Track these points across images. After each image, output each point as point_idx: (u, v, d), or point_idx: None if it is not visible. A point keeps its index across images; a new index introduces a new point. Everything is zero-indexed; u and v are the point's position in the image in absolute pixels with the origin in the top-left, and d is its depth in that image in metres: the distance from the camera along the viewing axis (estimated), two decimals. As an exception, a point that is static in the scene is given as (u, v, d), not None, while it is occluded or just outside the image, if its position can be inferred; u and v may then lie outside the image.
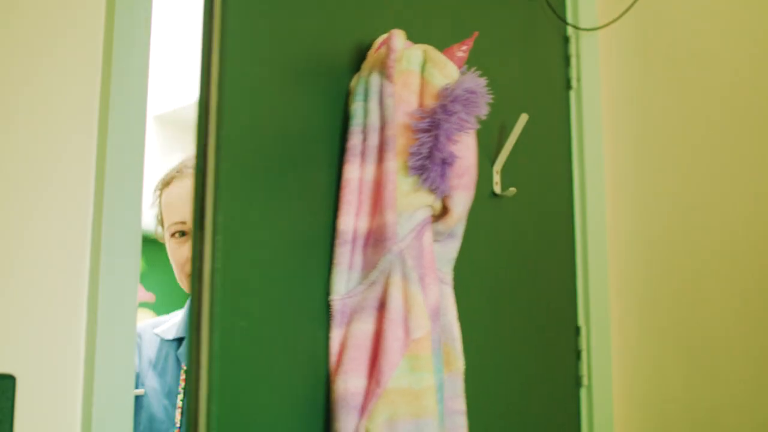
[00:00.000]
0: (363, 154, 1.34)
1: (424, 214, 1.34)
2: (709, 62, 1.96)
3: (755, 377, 1.78)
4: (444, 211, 1.38)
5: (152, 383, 1.77)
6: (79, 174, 1.29)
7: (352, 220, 1.31)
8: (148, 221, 1.85)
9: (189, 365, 1.14)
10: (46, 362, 1.23)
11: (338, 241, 1.31)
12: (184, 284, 1.78)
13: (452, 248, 1.44)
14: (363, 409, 1.23)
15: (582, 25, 2.05)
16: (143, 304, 3.27)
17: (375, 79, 1.36)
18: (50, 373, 1.23)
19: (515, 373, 1.71)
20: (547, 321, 1.84)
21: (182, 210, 1.77)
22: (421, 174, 1.32)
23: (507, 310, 1.71)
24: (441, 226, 1.39)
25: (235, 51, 1.21)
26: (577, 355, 1.92)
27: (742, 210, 1.85)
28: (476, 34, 1.44)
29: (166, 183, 1.85)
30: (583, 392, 1.92)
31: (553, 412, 1.83)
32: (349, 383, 1.24)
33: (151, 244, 1.90)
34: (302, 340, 1.26)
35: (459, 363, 1.39)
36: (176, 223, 1.79)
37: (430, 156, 1.31)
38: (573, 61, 2.04)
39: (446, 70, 1.38)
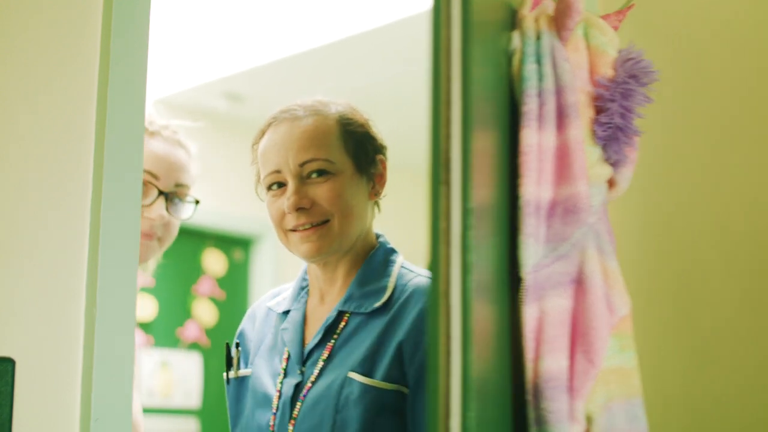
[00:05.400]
0: (540, 119, 1.25)
1: (605, 186, 1.27)
2: (711, 58, 2.00)
3: (754, 374, 1.83)
4: (609, 185, 1.31)
5: (261, 362, 1.59)
6: (78, 158, 1.27)
7: (534, 189, 1.22)
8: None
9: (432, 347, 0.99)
10: (45, 345, 1.21)
11: (527, 211, 1.20)
12: (284, 241, 1.58)
13: None
14: (572, 389, 1.14)
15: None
16: (142, 289, 2.96)
17: (546, 41, 1.28)
18: (49, 356, 1.21)
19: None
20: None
21: (276, 158, 1.56)
22: (607, 144, 1.25)
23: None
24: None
25: None
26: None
27: (743, 207, 1.90)
28: (633, 5, 1.39)
29: (261, 133, 1.63)
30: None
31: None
32: (559, 362, 1.14)
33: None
34: (501, 315, 1.15)
35: None
36: (271, 174, 1.57)
37: (619, 127, 1.24)
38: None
39: (610, 39, 1.32)
